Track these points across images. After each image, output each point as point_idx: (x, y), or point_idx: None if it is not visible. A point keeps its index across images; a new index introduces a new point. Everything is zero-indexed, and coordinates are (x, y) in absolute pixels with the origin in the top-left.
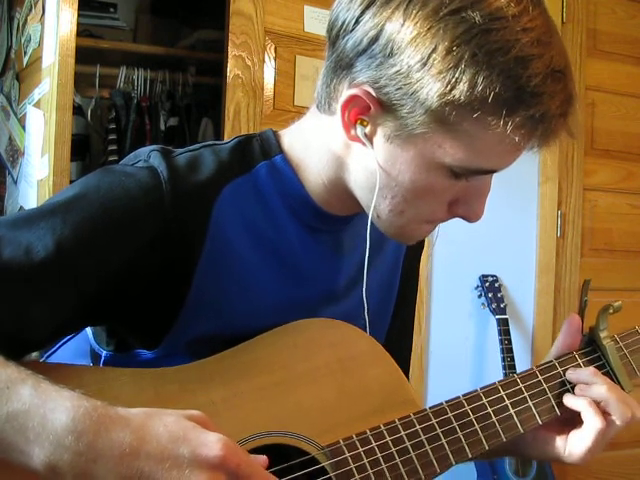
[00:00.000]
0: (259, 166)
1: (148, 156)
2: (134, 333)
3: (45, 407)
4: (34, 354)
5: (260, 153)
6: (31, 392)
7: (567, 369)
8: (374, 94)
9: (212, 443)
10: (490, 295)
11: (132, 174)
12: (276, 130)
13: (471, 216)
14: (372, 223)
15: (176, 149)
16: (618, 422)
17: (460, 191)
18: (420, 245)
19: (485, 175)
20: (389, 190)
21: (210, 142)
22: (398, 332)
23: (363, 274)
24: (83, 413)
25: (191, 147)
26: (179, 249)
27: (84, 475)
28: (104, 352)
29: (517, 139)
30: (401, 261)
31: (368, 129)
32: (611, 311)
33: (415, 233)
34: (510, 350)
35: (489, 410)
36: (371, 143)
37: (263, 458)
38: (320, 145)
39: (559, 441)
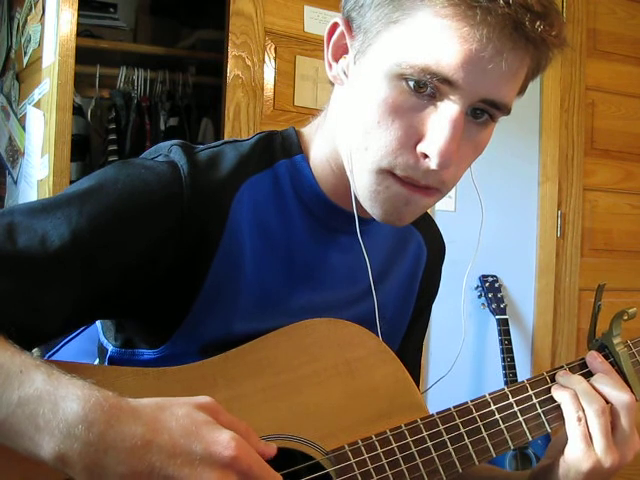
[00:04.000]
0: (279, 163)
1: (169, 150)
2: (142, 328)
3: (57, 394)
4: (35, 352)
5: (281, 151)
6: (44, 378)
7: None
8: (348, 16)
9: (225, 442)
10: (490, 295)
11: (152, 167)
12: (299, 129)
13: (430, 150)
14: (378, 226)
15: (197, 145)
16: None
17: (423, 123)
18: (439, 260)
19: (445, 89)
20: (356, 122)
21: (231, 139)
22: (408, 347)
23: (378, 280)
24: (94, 403)
25: (212, 144)
26: (195, 244)
27: (94, 466)
28: (111, 347)
29: (452, 20)
30: (420, 275)
31: (345, 63)
32: (625, 317)
33: (388, 195)
34: (510, 350)
35: (497, 417)
36: (346, 77)
37: (273, 447)
38: (327, 128)
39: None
